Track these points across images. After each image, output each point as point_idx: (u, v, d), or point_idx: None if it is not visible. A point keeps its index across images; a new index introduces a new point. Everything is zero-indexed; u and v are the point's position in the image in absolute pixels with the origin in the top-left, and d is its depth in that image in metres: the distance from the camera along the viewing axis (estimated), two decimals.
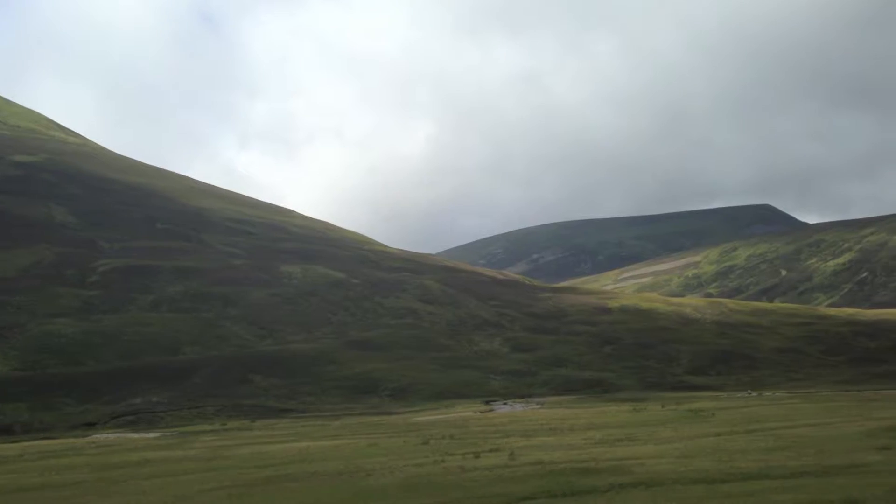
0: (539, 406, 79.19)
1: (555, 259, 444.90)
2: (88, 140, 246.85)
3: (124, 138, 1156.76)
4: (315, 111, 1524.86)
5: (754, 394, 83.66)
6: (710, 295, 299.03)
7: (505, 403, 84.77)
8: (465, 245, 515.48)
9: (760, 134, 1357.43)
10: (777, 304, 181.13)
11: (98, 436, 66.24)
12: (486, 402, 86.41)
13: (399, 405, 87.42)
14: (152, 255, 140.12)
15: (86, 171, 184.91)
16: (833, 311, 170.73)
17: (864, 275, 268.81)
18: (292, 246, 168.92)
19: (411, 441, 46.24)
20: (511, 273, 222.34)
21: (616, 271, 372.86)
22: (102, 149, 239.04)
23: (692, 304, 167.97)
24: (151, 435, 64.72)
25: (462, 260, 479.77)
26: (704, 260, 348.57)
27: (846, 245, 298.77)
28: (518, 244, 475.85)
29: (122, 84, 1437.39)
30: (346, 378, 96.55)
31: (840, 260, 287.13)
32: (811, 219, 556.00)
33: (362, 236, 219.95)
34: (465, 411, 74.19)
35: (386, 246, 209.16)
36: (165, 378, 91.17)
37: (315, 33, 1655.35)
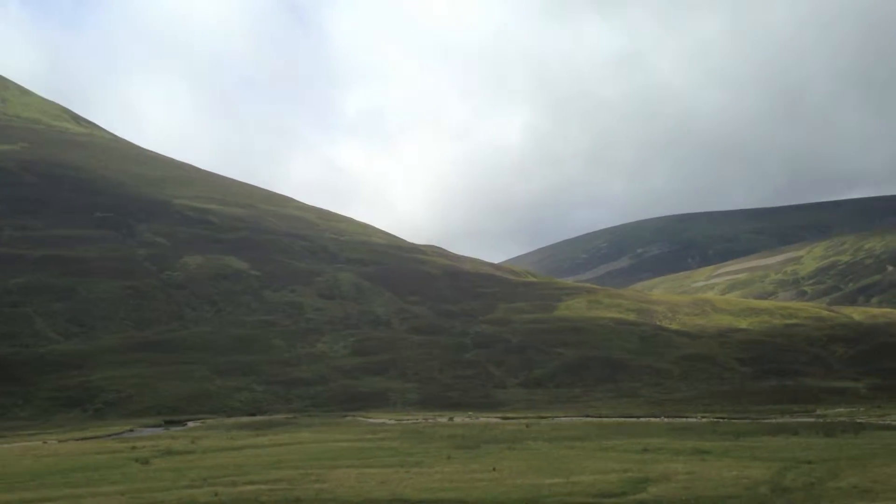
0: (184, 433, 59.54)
1: (660, 254, 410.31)
2: (102, 132, 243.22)
3: (221, 134, 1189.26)
4: (409, 102, 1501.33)
5: (477, 418, 60.05)
6: (803, 293, 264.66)
7: (161, 426, 65.53)
8: (570, 240, 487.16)
9: (892, 116, 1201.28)
10: (788, 304, 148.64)
11: None
12: (166, 424, 67.65)
13: (87, 423, 70.33)
14: (60, 244, 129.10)
15: (49, 159, 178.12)
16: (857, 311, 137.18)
17: None
18: (232, 236, 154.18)
19: None
20: (529, 271, 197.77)
21: (711, 267, 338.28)
22: (110, 140, 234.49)
23: (677, 303, 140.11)
24: None
25: (564, 255, 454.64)
26: (808, 255, 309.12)
27: None
28: (623, 238, 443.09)
29: (215, 79, 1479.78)
30: (68, 387, 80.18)
31: None
32: None
33: (359, 224, 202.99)
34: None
35: (389, 235, 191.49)
36: None
37: (405, 22, 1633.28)
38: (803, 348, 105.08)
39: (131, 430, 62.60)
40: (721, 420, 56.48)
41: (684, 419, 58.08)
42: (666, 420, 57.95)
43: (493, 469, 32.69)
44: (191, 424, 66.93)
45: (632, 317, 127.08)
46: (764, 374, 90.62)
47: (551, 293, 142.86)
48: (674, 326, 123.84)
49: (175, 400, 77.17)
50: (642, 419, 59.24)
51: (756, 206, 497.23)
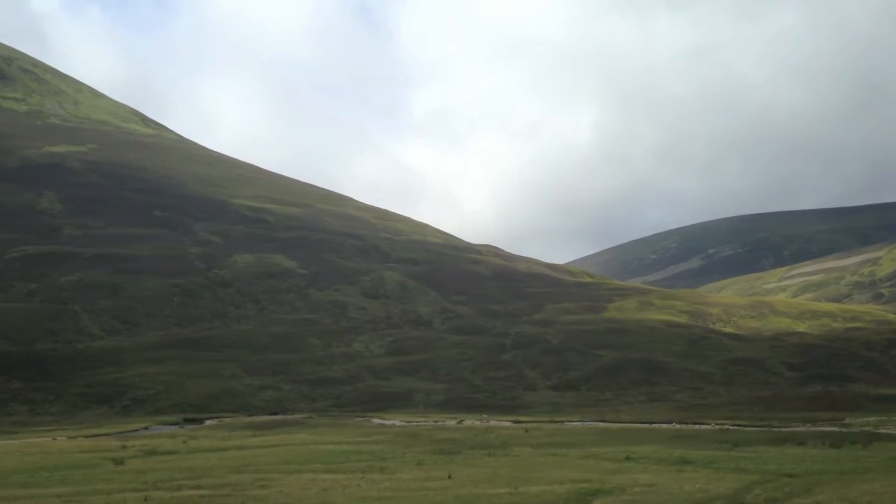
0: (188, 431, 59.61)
1: (732, 254, 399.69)
2: (169, 134, 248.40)
3: (291, 135, 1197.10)
4: (477, 100, 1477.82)
5: (488, 422, 58.51)
6: (880, 296, 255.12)
7: (176, 424, 65.73)
8: (639, 240, 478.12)
9: None
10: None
11: None
12: (185, 422, 67.90)
13: (111, 419, 71.22)
14: (115, 242, 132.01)
15: (115, 160, 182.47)
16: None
17: None
18: (286, 235, 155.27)
19: None
20: (570, 269, 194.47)
21: (784, 268, 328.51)
22: (176, 141, 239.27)
23: (734, 305, 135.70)
24: None
25: (632, 256, 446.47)
26: (887, 256, 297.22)
27: None
28: (694, 238, 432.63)
29: (286, 81, 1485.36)
30: (99, 384, 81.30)
31: None
32: None
33: (416, 224, 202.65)
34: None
35: (432, 234, 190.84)
36: None
37: (472, 20, 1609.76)
38: (860, 353, 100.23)
39: (146, 428, 62.88)
40: (738, 427, 53.62)
41: (695, 426, 55.34)
42: (677, 426, 55.36)
43: (449, 477, 31.27)
44: (208, 423, 66.97)
45: (684, 319, 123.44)
46: (810, 379, 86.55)
47: (602, 294, 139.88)
48: (727, 329, 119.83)
49: (200, 398, 77.50)
50: (655, 425, 56.67)
51: (833, 206, 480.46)
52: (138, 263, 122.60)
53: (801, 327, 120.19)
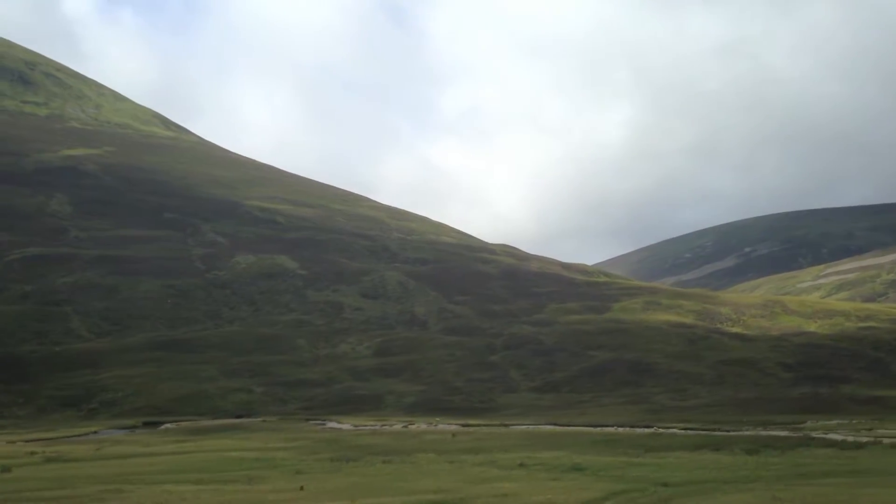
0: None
1: (769, 253, 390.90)
2: (189, 136, 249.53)
3: (321, 136, 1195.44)
4: (507, 99, 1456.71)
5: (436, 425, 56.24)
6: None
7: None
8: (673, 239, 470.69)
9: None
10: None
11: None
12: (143, 426, 66.74)
13: (74, 423, 70.39)
14: (118, 244, 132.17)
15: (130, 163, 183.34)
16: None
17: None
18: (293, 236, 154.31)
19: None
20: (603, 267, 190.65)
21: (819, 267, 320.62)
22: (196, 143, 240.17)
23: (745, 304, 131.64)
24: None
25: (666, 255, 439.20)
26: None
27: None
28: (729, 237, 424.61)
29: (316, 82, 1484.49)
30: (71, 386, 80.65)
31: None
32: None
33: (432, 224, 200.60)
34: None
35: (449, 233, 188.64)
36: None
37: (501, 19, 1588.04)
38: (866, 353, 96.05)
39: (96, 432, 61.68)
40: (685, 431, 50.72)
41: (635, 430, 52.37)
42: (619, 430, 52.51)
43: (301, 488, 29.23)
44: (164, 426, 65.67)
45: (689, 319, 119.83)
46: (802, 380, 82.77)
47: (610, 293, 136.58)
48: (734, 329, 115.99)
49: (168, 401, 76.32)
50: (601, 428, 53.89)
51: (873, 202, 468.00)
52: (137, 265, 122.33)
53: (812, 327, 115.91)
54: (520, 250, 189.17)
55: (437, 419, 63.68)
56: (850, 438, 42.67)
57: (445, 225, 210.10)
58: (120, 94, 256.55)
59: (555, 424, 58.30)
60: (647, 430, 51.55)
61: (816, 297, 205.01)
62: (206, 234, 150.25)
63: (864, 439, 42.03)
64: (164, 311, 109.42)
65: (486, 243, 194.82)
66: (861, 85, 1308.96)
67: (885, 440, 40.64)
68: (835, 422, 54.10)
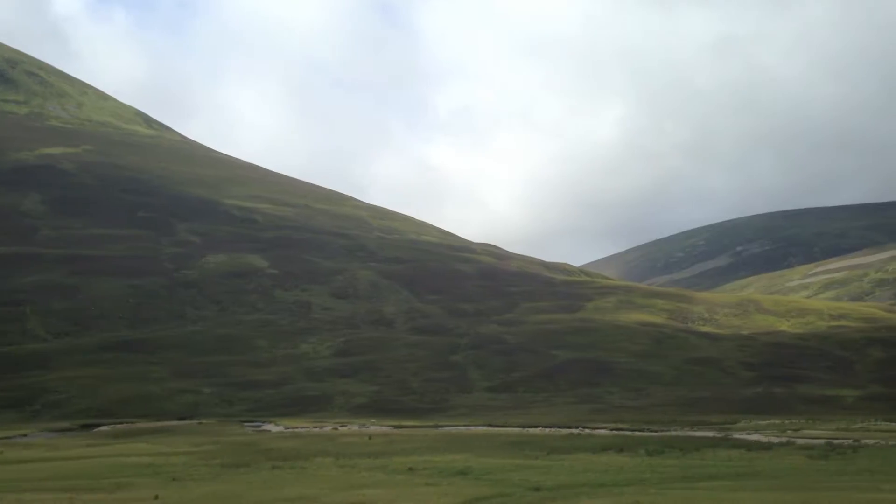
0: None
1: (761, 252, 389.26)
2: (172, 134, 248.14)
3: (313, 136, 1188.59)
4: (500, 99, 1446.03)
5: (368, 427, 54.80)
6: None
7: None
8: (666, 238, 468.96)
9: None
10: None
11: None
12: (80, 428, 65.26)
13: (12, 425, 68.94)
14: (88, 243, 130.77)
15: (109, 162, 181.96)
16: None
17: None
18: (269, 235, 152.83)
19: None
20: (567, 265, 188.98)
21: (808, 265, 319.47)
22: (178, 142, 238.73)
23: (719, 303, 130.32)
24: None
25: (658, 254, 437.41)
26: None
27: None
28: (722, 236, 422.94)
29: (308, 82, 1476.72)
30: (18, 388, 79.11)
31: None
32: None
33: (415, 223, 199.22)
34: None
35: (429, 232, 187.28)
36: None
37: (494, 18, 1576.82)
38: (832, 352, 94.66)
39: (25, 435, 60.12)
40: (618, 432, 49.28)
41: (559, 430, 50.95)
42: (546, 431, 51.10)
43: (156, 497, 27.81)
44: (100, 429, 64.24)
45: (661, 318, 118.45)
46: (761, 379, 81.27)
47: (584, 293, 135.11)
48: (704, 328, 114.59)
49: (112, 402, 74.81)
50: (529, 429, 52.38)
51: (867, 202, 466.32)
52: (101, 264, 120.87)
53: (783, 325, 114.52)
54: (502, 249, 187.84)
55: (373, 420, 62.25)
56: (765, 439, 41.32)
57: (428, 224, 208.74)
58: (103, 93, 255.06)
59: (490, 426, 56.88)
60: (566, 431, 50.11)
61: (795, 297, 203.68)
62: (180, 233, 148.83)
63: (777, 440, 40.67)
64: (126, 311, 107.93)
65: (470, 242, 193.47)
66: (855, 85, 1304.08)
67: (799, 441, 39.30)
68: (766, 422, 52.67)
